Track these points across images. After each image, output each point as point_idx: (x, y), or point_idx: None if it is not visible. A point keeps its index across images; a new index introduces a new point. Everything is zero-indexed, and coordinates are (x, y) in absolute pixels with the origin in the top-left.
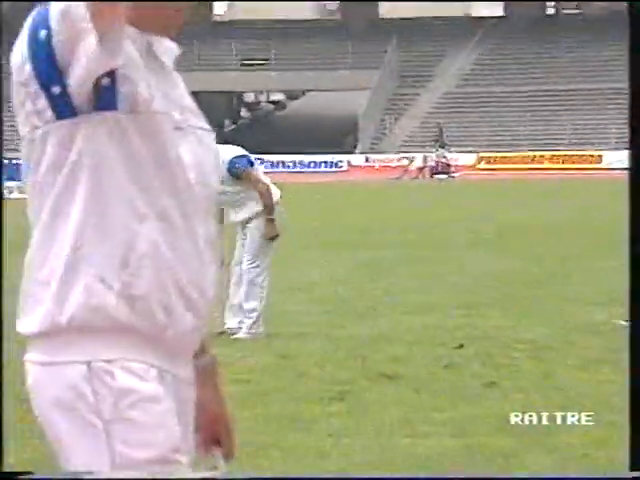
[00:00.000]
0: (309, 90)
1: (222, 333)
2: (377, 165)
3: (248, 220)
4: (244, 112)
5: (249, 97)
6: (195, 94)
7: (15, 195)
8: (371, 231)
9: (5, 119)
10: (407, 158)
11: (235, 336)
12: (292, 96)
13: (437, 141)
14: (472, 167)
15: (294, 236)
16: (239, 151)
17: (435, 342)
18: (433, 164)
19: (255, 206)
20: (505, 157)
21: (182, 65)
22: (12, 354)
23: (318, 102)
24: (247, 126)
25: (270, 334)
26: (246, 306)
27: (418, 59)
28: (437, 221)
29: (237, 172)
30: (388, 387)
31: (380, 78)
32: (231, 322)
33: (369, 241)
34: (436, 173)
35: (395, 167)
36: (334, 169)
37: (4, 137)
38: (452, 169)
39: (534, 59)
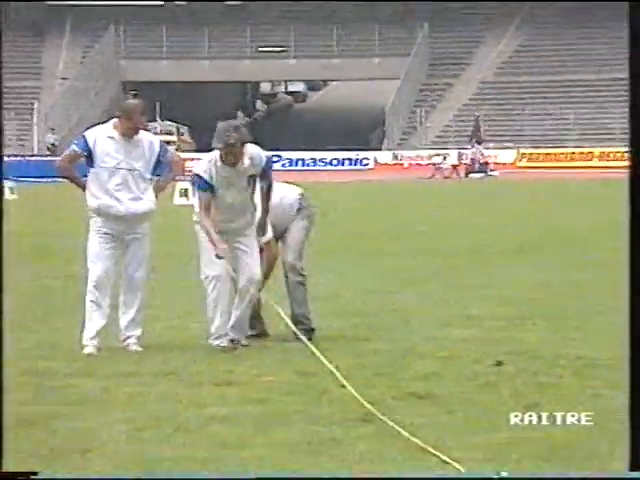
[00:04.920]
0: (332, 80)
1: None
2: (406, 163)
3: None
4: (259, 104)
5: (265, 88)
6: (204, 85)
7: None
8: (400, 237)
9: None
10: (440, 155)
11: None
12: (313, 87)
13: (473, 136)
14: (512, 165)
15: (314, 242)
16: None
17: (471, 358)
18: (469, 162)
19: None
20: (549, 154)
21: (191, 53)
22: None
23: (341, 93)
24: (263, 119)
25: (289, 349)
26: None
27: (452, 45)
28: (473, 226)
29: None
30: (418, 407)
31: (410, 67)
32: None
33: (399, 248)
34: (472, 172)
35: (426, 165)
36: (359, 167)
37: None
38: (490, 167)
39: (584, 44)
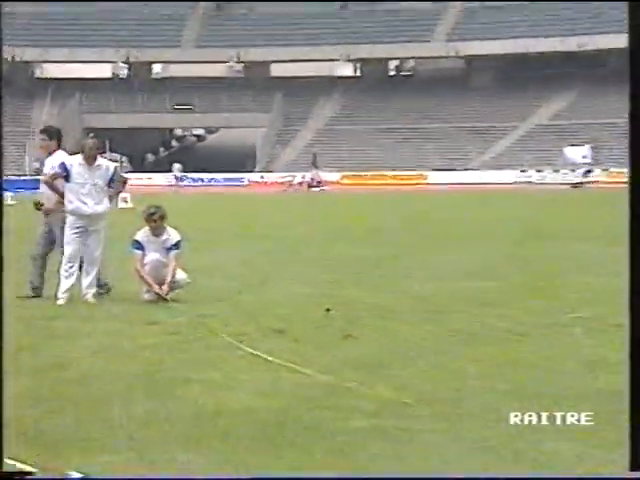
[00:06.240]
0: (222, 127)
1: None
2: (269, 181)
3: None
4: (174, 142)
5: (178, 132)
6: (138, 130)
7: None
8: (266, 228)
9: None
10: (290, 176)
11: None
12: (210, 131)
13: (312, 164)
14: (337, 182)
15: (212, 232)
16: None
17: (310, 306)
18: (309, 180)
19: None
20: (360, 175)
21: (130, 110)
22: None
23: (228, 136)
24: (176, 153)
25: (192, 301)
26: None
27: (298, 105)
28: (311, 221)
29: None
30: (276, 338)
31: (272, 119)
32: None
33: (265, 235)
34: (311, 186)
35: (282, 183)
36: (238, 184)
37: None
38: (322, 184)
39: (381, 105)
